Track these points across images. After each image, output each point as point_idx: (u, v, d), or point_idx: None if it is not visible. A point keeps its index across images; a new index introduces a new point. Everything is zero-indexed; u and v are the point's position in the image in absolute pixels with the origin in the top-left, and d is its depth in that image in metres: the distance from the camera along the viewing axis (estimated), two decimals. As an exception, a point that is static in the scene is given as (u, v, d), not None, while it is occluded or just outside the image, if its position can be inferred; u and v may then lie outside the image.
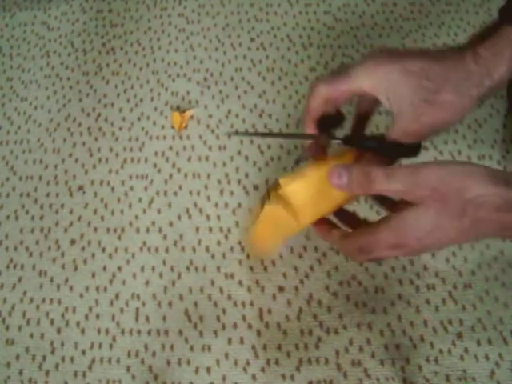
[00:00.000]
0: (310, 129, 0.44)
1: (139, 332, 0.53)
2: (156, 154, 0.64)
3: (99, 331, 0.53)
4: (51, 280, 0.56)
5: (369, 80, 0.41)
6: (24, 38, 0.77)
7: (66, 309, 0.54)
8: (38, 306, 0.54)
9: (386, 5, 0.77)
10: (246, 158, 0.64)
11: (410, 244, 0.38)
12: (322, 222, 0.44)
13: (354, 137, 0.45)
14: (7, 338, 0.53)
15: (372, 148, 0.43)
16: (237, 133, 0.46)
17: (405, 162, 0.41)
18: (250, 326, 0.52)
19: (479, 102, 0.41)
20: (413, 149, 0.42)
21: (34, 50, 0.75)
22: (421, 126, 0.41)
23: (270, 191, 0.46)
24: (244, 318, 0.53)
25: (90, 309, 0.54)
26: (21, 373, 0.51)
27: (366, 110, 0.47)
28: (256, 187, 0.61)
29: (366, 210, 0.56)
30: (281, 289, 0.54)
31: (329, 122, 0.45)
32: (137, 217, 0.60)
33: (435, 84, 0.40)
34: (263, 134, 0.45)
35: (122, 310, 0.54)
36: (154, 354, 0.51)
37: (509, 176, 0.37)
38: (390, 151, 0.42)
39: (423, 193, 0.37)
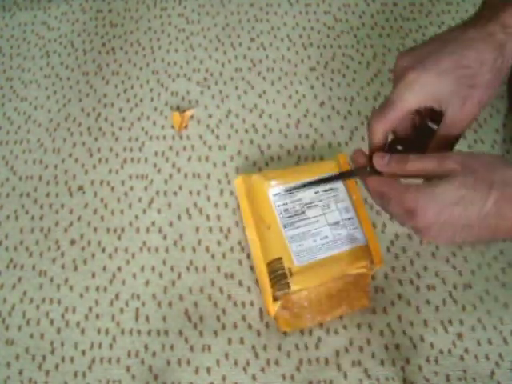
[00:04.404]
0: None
1: (139, 332, 0.52)
2: (156, 154, 0.64)
3: (99, 331, 0.53)
4: (51, 280, 0.56)
5: (413, 97, 0.43)
6: (24, 38, 0.77)
7: (66, 309, 0.54)
8: (37, 306, 0.54)
9: (386, 5, 0.77)
10: (246, 158, 0.64)
11: (427, 214, 0.39)
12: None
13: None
14: (7, 338, 0.53)
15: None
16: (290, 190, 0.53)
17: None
18: (249, 326, 0.52)
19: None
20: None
21: (34, 49, 0.75)
22: (469, 108, 0.43)
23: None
24: (244, 318, 0.53)
25: (90, 309, 0.54)
26: (21, 373, 0.51)
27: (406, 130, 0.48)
28: (256, 187, 0.61)
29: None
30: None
31: (405, 143, 0.46)
32: (137, 217, 0.60)
33: (472, 70, 0.42)
34: (309, 184, 0.50)
35: (121, 310, 0.54)
36: (154, 354, 0.51)
37: None
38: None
39: (453, 166, 0.39)
